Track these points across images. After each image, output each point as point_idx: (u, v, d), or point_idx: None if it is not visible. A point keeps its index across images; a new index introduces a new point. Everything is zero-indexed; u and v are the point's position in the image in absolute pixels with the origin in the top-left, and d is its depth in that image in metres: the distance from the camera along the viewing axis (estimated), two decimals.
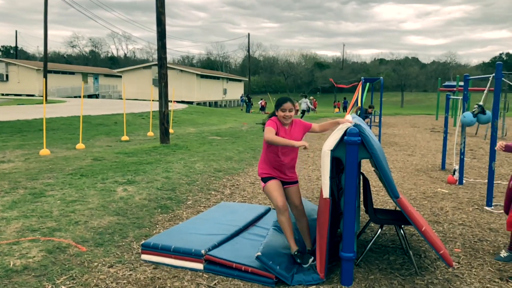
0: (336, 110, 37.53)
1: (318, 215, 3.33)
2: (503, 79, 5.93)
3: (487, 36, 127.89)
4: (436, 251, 3.28)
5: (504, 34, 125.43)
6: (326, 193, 3.30)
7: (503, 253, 3.93)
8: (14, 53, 64.75)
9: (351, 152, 3.22)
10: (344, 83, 47.72)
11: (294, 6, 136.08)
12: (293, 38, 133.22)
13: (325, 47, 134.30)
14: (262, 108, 40.78)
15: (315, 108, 40.02)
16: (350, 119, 3.61)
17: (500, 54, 77.39)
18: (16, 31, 59.72)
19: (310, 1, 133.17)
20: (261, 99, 41.85)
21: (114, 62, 78.66)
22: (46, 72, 28.16)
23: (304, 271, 3.46)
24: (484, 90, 6.19)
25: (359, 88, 9.35)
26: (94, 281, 3.36)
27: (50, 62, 41.93)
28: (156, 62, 11.52)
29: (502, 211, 5.48)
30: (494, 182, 5.89)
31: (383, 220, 3.82)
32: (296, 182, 3.73)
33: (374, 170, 3.73)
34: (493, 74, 5.84)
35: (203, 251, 3.60)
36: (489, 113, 6.08)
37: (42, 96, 21.32)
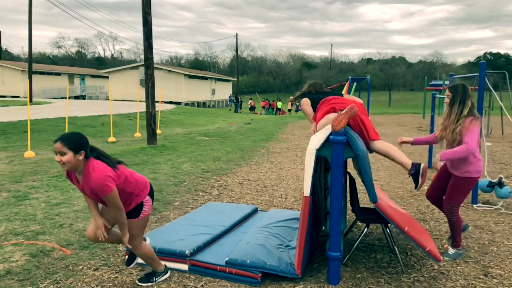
0: None
1: (301, 213, 3.34)
2: (486, 77, 6.00)
3: (471, 36, 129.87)
4: (422, 249, 3.30)
5: (487, 34, 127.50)
6: (307, 191, 3.31)
7: (450, 251, 3.92)
8: None
9: (336, 151, 3.23)
10: (333, 84, 47.98)
11: (279, 6, 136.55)
12: (280, 38, 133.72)
13: (312, 47, 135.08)
14: (252, 108, 40.78)
15: None
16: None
17: (485, 53, 78.55)
18: None
19: (295, 1, 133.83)
20: (250, 99, 41.88)
21: (101, 62, 77.91)
22: (31, 73, 27.79)
23: (285, 264, 3.45)
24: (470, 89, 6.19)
25: (347, 87, 9.40)
26: (79, 284, 3.31)
27: (35, 63, 41.34)
28: (143, 63, 11.43)
29: (486, 207, 5.55)
30: (479, 179, 5.94)
31: (370, 219, 3.83)
32: None
33: (357, 173, 3.78)
34: (478, 73, 5.92)
35: (187, 252, 3.57)
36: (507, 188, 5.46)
37: (27, 97, 20.97)
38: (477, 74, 6.02)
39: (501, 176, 5.52)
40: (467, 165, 3.77)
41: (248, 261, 3.43)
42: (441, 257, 3.34)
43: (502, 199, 5.56)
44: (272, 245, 3.72)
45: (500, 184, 5.40)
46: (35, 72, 37.69)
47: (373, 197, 3.35)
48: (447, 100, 3.86)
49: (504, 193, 5.40)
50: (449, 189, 3.91)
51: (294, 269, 3.37)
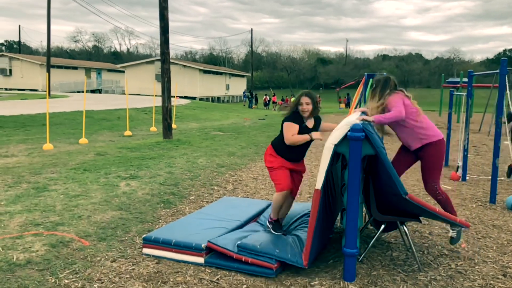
0: (342, 105, 37.40)
1: (311, 206, 3.35)
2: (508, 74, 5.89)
3: (489, 32, 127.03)
4: (453, 222, 3.43)
5: (506, 30, 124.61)
6: (319, 185, 3.31)
7: (452, 234, 3.77)
8: (17, 48, 64.76)
9: (354, 148, 3.21)
10: (349, 81, 47.64)
11: (293, 2, 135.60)
12: (294, 34, 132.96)
13: (326, 43, 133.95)
14: (266, 104, 40.68)
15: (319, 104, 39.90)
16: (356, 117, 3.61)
17: (504, 50, 76.94)
18: (19, 26, 59.68)
19: None
20: (265, 95, 41.81)
21: (117, 57, 78.64)
22: (49, 67, 28.20)
23: (293, 253, 3.47)
24: (488, 86, 6.08)
25: (362, 84, 9.32)
26: (97, 275, 3.37)
27: (53, 57, 41.91)
28: (159, 57, 11.51)
29: (505, 207, 5.46)
30: (498, 178, 5.86)
31: (386, 217, 3.80)
32: None
33: (368, 173, 3.81)
34: (498, 70, 5.81)
35: (203, 245, 3.60)
36: None
37: (45, 91, 21.39)
38: (497, 71, 5.90)
39: None
40: (418, 135, 3.86)
41: (258, 246, 3.49)
42: (469, 224, 3.56)
43: None
44: (282, 235, 3.75)
45: None
46: (53, 66, 38.21)
47: (403, 189, 3.29)
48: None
49: None
50: (422, 170, 3.95)
51: (302, 259, 3.39)
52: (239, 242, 3.57)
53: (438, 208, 3.45)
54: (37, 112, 16.56)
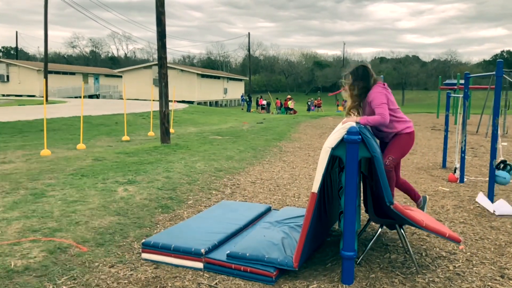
0: (341, 108, 37.53)
1: (306, 208, 3.37)
2: (504, 76, 5.91)
3: (483, 34, 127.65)
4: (442, 237, 3.37)
5: (500, 32, 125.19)
6: (315, 188, 3.32)
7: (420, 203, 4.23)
8: (14, 54, 64.80)
9: (351, 151, 3.22)
10: (347, 83, 47.71)
11: (288, 6, 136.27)
12: (290, 37, 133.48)
13: (323, 46, 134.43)
14: (262, 107, 40.72)
15: (320, 106, 40.05)
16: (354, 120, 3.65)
17: (502, 51, 77.28)
18: (16, 32, 59.93)
19: (304, 0, 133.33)
20: (260, 97, 41.90)
21: (114, 62, 78.71)
22: (46, 72, 28.20)
23: (283, 256, 3.48)
24: (485, 88, 6.11)
25: None
26: (95, 281, 3.36)
27: (50, 63, 41.95)
28: (157, 62, 11.52)
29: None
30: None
31: (383, 219, 3.81)
32: None
33: (366, 175, 3.82)
34: (494, 72, 5.84)
35: (202, 250, 3.60)
36: None
37: (43, 97, 21.43)
38: (494, 73, 5.93)
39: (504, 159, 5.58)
40: (395, 129, 4.00)
41: (247, 254, 3.49)
42: (460, 238, 3.46)
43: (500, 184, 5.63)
44: (275, 239, 3.75)
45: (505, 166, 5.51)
46: (51, 72, 38.23)
47: (389, 198, 3.33)
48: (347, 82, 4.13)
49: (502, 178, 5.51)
50: (389, 145, 4.06)
51: (292, 261, 3.39)
52: (228, 251, 3.57)
53: (425, 222, 3.41)
54: (34, 118, 16.54)
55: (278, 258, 3.44)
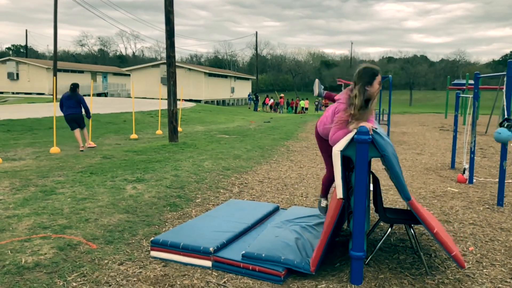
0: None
1: (328, 212, 3.34)
2: None
3: (491, 34, 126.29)
4: (448, 253, 3.26)
5: (508, 32, 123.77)
6: (340, 194, 3.31)
7: (323, 202, 4.22)
8: (24, 52, 65.33)
9: (361, 151, 3.21)
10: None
11: (294, 5, 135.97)
12: (296, 37, 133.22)
13: (329, 45, 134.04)
14: (271, 107, 40.69)
15: (328, 105, 39.99)
16: None
17: (511, 51, 76.46)
18: (26, 30, 60.31)
19: (310, 0, 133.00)
20: (266, 96, 41.88)
21: (122, 60, 79.10)
22: (56, 70, 28.43)
23: (300, 259, 3.47)
24: (494, 88, 6.03)
25: None
26: (105, 278, 3.38)
27: (59, 61, 42.21)
28: (165, 61, 11.57)
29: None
30: (506, 181, 5.82)
31: (393, 219, 3.79)
32: None
33: (384, 169, 3.74)
34: (505, 72, 5.78)
35: (211, 249, 3.61)
36: None
37: (52, 95, 21.55)
38: (505, 73, 5.87)
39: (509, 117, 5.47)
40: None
41: (263, 255, 3.48)
42: (465, 264, 3.35)
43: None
44: (289, 239, 3.75)
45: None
46: (59, 70, 38.45)
47: (406, 195, 3.29)
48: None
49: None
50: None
51: (309, 265, 3.38)
52: (243, 252, 3.56)
53: (436, 229, 3.28)
54: (44, 115, 16.68)
55: (295, 261, 3.42)
